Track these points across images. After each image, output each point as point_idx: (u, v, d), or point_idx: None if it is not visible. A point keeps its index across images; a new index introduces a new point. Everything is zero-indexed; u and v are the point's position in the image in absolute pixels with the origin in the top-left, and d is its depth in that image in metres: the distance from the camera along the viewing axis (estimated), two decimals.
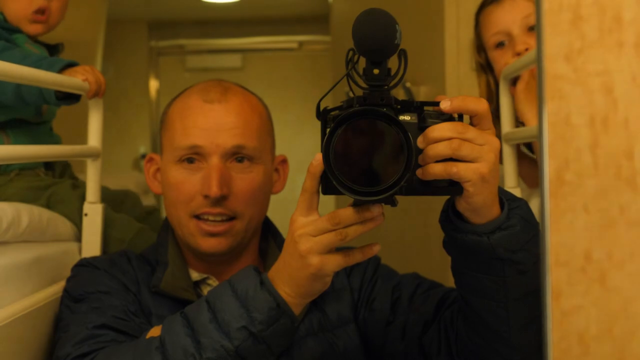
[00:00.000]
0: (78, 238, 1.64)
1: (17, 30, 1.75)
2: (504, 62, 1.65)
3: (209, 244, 1.28)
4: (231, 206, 1.27)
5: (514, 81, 1.58)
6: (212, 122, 1.27)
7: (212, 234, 1.28)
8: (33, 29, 1.76)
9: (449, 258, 1.04)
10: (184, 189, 1.28)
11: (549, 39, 0.58)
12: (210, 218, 1.27)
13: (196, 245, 1.29)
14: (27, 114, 1.74)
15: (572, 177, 0.60)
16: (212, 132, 1.26)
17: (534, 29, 1.59)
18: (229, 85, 1.34)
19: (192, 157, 1.28)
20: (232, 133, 1.27)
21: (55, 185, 1.70)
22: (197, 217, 1.28)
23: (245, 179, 1.28)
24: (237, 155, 1.28)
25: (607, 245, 0.60)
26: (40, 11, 1.75)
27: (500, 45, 1.67)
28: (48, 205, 1.64)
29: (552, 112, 0.59)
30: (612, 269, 0.60)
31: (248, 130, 1.29)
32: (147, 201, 2.59)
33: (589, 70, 0.59)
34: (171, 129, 1.31)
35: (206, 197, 1.26)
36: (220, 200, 1.26)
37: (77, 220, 1.63)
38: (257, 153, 1.30)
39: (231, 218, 1.28)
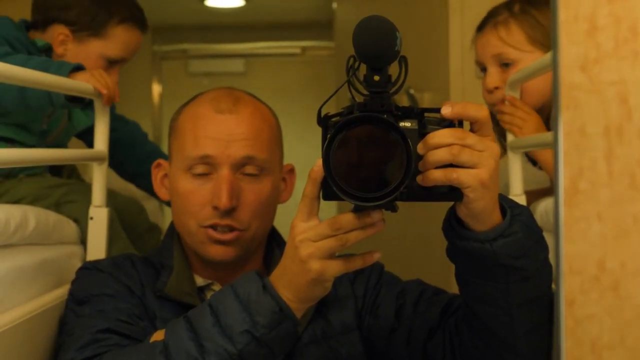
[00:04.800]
0: (83, 241, 1.64)
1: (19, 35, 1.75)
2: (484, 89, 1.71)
3: (217, 252, 1.28)
4: (239, 218, 1.27)
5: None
6: (223, 132, 1.27)
7: (221, 242, 1.28)
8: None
9: (451, 265, 1.04)
10: (193, 199, 1.28)
11: (565, 48, 0.59)
12: (219, 228, 1.27)
13: (205, 253, 1.29)
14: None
15: (586, 185, 0.60)
16: (223, 142, 1.26)
17: (508, 65, 1.63)
18: (240, 95, 1.34)
19: (203, 166, 1.27)
20: (243, 144, 1.27)
21: (66, 185, 1.71)
22: (206, 226, 1.28)
23: (254, 190, 1.28)
24: (247, 166, 1.28)
25: (620, 253, 0.60)
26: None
27: (483, 70, 1.72)
28: (58, 204, 1.64)
29: (567, 122, 0.59)
30: (625, 277, 0.60)
31: (258, 141, 1.29)
32: (149, 205, 2.58)
33: (604, 80, 0.60)
34: (181, 137, 1.31)
35: (215, 208, 1.26)
36: (229, 212, 1.26)
37: (84, 221, 1.63)
38: (267, 164, 1.30)
39: (239, 229, 1.28)
